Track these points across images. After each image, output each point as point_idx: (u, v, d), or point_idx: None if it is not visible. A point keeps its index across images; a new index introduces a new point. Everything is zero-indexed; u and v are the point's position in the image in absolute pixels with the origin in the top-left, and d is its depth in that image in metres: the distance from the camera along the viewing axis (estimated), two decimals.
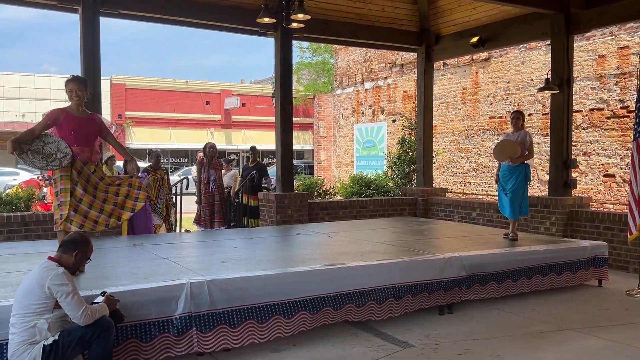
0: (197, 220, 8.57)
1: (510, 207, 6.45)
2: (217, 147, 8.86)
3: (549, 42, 9.44)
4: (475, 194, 14.32)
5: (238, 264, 4.92)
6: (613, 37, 11.25)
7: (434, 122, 10.85)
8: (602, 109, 11.46)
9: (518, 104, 13.33)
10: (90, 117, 4.76)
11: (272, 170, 11.59)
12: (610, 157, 11.30)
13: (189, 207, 10.16)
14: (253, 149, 9.97)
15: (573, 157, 8.77)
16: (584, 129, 11.72)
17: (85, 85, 4.76)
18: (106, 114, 28.47)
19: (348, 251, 5.64)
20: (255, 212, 9.41)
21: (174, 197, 9.45)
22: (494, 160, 6.47)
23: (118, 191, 4.68)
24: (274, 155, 21.43)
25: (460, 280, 5.31)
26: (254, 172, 9.41)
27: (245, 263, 4.96)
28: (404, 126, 13.35)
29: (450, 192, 14.37)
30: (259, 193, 9.42)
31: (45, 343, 3.30)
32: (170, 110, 31.09)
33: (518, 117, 6.64)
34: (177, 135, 31.06)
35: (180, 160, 31.55)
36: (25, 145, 4.45)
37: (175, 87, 31.58)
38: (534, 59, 12.92)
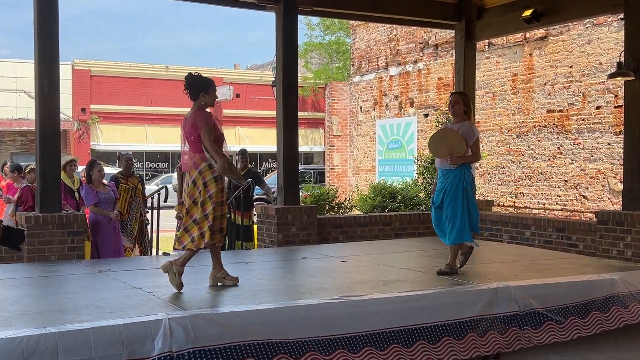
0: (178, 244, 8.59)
1: (448, 228, 6.04)
2: None
3: (622, 15, 9.37)
4: (529, 207, 14.28)
5: (229, 295, 4.97)
6: None
7: (476, 117, 11.12)
8: None
9: (583, 94, 13.28)
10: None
11: (272, 178, 11.58)
12: None
13: (168, 223, 10.12)
14: (243, 152, 10.07)
15: None
16: None
17: None
18: (66, 107, 28.47)
19: (367, 280, 5.65)
20: (249, 233, 9.41)
21: (150, 211, 9.50)
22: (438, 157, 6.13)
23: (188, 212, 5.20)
24: (274, 159, 21.34)
25: (513, 318, 5.24)
26: (249, 180, 9.31)
27: (238, 294, 4.99)
28: (438, 122, 13.21)
29: (498, 205, 14.32)
30: (254, 207, 9.47)
31: None
32: (146, 102, 30.80)
33: (457, 101, 6.17)
34: (154, 134, 30.77)
35: (158, 165, 31.36)
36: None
37: (153, 74, 31.21)
38: (603, 37, 12.84)
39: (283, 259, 7.15)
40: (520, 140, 14.69)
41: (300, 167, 22.21)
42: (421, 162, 12.94)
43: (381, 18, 10.41)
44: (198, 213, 5.06)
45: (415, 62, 17.53)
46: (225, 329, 4.24)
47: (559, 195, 13.75)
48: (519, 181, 14.66)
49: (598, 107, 12.96)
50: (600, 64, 12.87)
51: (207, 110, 5.23)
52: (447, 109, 15.14)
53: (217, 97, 5.26)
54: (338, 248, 7.84)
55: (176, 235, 5.13)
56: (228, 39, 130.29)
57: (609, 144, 12.71)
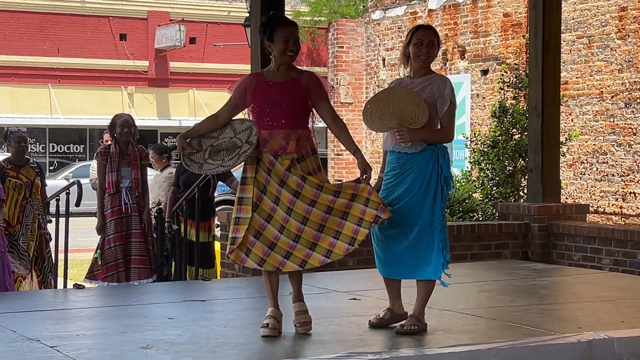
0: (94, 272, 8.11)
1: (413, 251, 5.06)
2: (138, 123, 8.80)
3: None
4: None
5: (175, 351, 4.61)
6: None
7: (562, 74, 9.68)
8: None
9: None
10: (292, 80, 4.87)
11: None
12: None
13: (83, 239, 9.04)
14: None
15: None
16: None
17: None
18: None
19: (390, 328, 5.24)
20: (208, 254, 8.77)
21: (54, 220, 8.82)
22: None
23: (332, 205, 4.74)
24: None
25: None
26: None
27: (190, 350, 4.65)
28: (503, 83, 12.20)
29: (596, 212, 12.98)
30: (216, 214, 9.07)
31: None
32: (50, 51, 27.80)
33: (432, 43, 5.04)
34: (63, 99, 27.85)
35: (69, 148, 28.86)
36: (207, 139, 4.78)
37: (62, 7, 28.25)
38: None
39: (260, 294, 6.25)
40: (631, 111, 12.92)
41: None
42: (477, 144, 11.75)
43: None
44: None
45: None
46: None
47: None
48: (628, 175, 12.85)
49: None
50: None
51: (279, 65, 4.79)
52: (516, 62, 14.73)
53: (289, 45, 4.74)
54: (346, 278, 7.27)
55: None
56: None
57: None
